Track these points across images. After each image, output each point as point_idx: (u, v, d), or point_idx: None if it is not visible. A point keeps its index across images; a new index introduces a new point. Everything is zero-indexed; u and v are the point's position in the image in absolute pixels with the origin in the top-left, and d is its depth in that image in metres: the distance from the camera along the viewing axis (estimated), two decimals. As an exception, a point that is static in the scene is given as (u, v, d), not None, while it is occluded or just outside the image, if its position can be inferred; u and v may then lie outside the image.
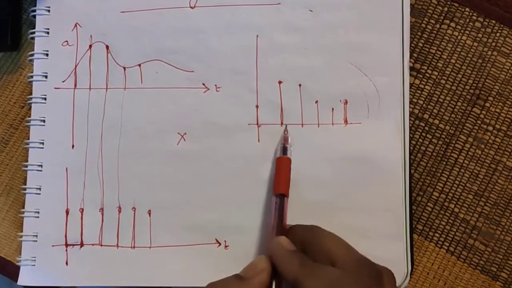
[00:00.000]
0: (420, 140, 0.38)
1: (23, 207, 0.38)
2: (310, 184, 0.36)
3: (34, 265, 0.37)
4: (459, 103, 0.38)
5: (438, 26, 0.38)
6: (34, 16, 0.40)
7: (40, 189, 0.38)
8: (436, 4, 0.38)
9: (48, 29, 0.39)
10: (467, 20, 0.38)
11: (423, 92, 0.38)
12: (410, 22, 0.37)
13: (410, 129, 0.37)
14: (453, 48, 0.38)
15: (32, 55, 0.39)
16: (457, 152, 0.37)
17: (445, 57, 0.38)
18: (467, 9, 0.38)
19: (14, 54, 0.41)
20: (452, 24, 0.38)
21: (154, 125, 0.38)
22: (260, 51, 0.38)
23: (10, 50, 0.41)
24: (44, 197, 0.38)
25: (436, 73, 0.38)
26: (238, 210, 0.36)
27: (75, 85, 0.39)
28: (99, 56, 0.39)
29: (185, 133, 0.38)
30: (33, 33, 0.39)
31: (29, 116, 0.39)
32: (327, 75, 0.37)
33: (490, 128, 0.37)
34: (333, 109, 0.37)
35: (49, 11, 0.39)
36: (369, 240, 0.35)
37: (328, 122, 0.37)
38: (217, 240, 0.37)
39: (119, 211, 0.37)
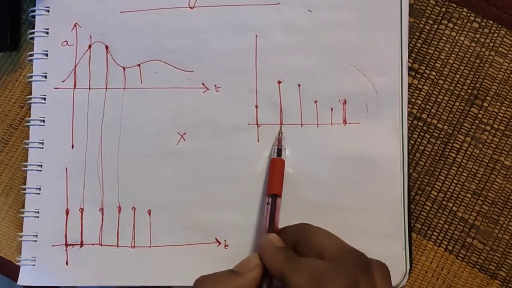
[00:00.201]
0: (419, 139, 0.38)
1: (23, 207, 0.38)
2: (309, 183, 0.36)
3: (34, 265, 0.37)
4: (457, 103, 0.38)
5: (436, 26, 0.38)
6: (34, 16, 0.40)
7: (40, 189, 0.38)
8: (434, 4, 0.38)
9: (48, 29, 0.39)
10: (465, 21, 0.38)
11: (422, 92, 0.38)
12: (409, 22, 0.37)
13: (409, 129, 0.38)
14: (451, 48, 0.38)
15: (32, 55, 0.39)
16: (455, 152, 0.38)
17: (443, 57, 0.38)
18: (464, 9, 0.38)
19: (13, 54, 0.41)
20: (450, 25, 0.38)
21: (153, 125, 0.38)
22: (260, 51, 0.38)
23: (10, 50, 0.41)
24: (44, 197, 0.38)
25: (434, 73, 0.38)
26: (238, 209, 0.36)
27: (75, 85, 0.39)
28: (99, 56, 0.39)
29: (185, 133, 0.38)
30: (33, 33, 0.39)
31: (29, 116, 0.39)
32: (326, 75, 0.37)
33: (488, 127, 0.38)
34: (332, 109, 0.37)
35: (48, 11, 0.39)
36: (368, 239, 0.36)
37: (327, 122, 0.37)
38: (216, 240, 0.37)
39: (119, 211, 0.37)
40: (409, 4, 0.37)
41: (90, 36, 0.39)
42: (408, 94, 0.38)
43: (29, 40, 0.40)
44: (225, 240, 0.37)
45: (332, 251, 0.29)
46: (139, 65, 0.38)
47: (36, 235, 0.38)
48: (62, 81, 0.39)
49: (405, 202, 0.36)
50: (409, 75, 0.38)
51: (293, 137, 0.37)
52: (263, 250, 0.31)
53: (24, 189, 0.38)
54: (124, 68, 0.38)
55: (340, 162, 0.36)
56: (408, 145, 0.37)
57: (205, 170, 0.37)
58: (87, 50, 0.39)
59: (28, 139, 0.39)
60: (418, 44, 0.38)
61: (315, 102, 0.37)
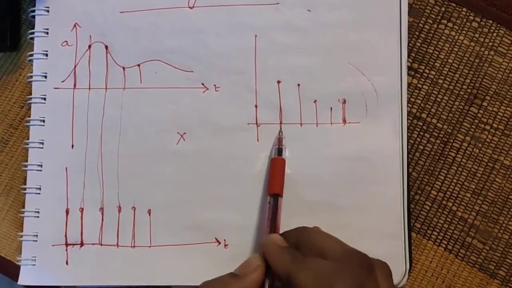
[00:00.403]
0: (418, 139, 0.38)
1: (23, 207, 0.38)
2: (309, 183, 0.36)
3: (35, 264, 0.38)
4: (456, 103, 0.38)
5: (435, 26, 0.38)
6: (34, 17, 0.40)
7: (40, 189, 0.38)
8: (434, 4, 0.38)
9: (48, 29, 0.39)
10: (464, 20, 0.38)
11: (421, 92, 0.38)
12: (408, 22, 0.37)
13: (408, 129, 0.38)
14: (450, 48, 0.38)
15: (32, 55, 0.39)
16: (454, 151, 0.38)
17: (442, 56, 0.38)
18: (464, 9, 0.38)
19: (13, 54, 0.41)
20: (450, 24, 0.38)
21: (153, 125, 0.38)
22: (259, 51, 0.38)
23: (10, 50, 0.41)
24: (44, 197, 0.38)
25: (433, 72, 0.38)
26: (238, 209, 0.37)
27: (75, 85, 0.39)
28: (99, 56, 0.39)
29: (185, 133, 0.38)
30: (33, 33, 0.39)
31: (29, 116, 0.39)
32: (326, 74, 0.37)
33: (488, 127, 0.38)
34: (331, 108, 0.37)
35: (48, 11, 0.40)
36: (368, 239, 0.36)
37: (327, 121, 0.37)
38: (216, 239, 0.37)
39: (119, 211, 0.38)
40: (409, 3, 0.37)
41: (90, 36, 0.39)
42: (408, 93, 0.38)
43: (29, 40, 0.40)
44: (225, 240, 0.37)
45: (335, 253, 0.29)
46: (138, 65, 0.38)
47: (36, 235, 0.38)
48: (62, 81, 0.39)
49: (404, 202, 0.36)
50: (408, 74, 0.38)
51: (293, 137, 0.37)
52: (267, 250, 0.30)
53: (24, 189, 0.38)
54: (124, 68, 0.39)
55: (340, 161, 0.36)
56: (407, 145, 0.37)
57: (205, 169, 0.37)
58: (87, 50, 0.39)
59: (28, 139, 0.39)
60: (418, 44, 0.38)
61: (315, 101, 0.37)
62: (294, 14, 0.38)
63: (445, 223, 0.37)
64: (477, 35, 0.38)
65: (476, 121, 0.38)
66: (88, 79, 0.39)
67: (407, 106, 0.37)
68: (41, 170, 0.38)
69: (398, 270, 0.35)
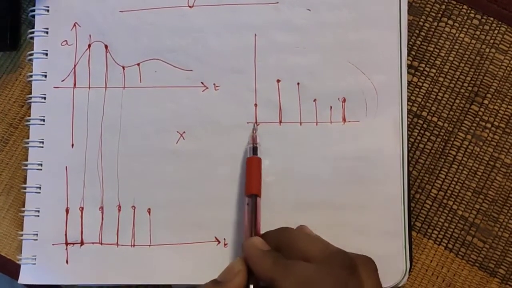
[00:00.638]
0: (419, 137, 0.38)
1: (23, 206, 0.38)
2: (309, 182, 0.36)
3: (35, 263, 0.38)
4: (457, 101, 0.38)
5: (435, 23, 0.38)
6: (33, 16, 0.40)
7: (40, 188, 0.38)
8: (434, 1, 0.38)
9: (47, 28, 0.39)
10: (465, 18, 0.38)
11: (421, 90, 0.38)
12: (408, 20, 0.37)
13: (409, 127, 0.37)
14: (451, 46, 0.38)
15: (32, 54, 0.39)
16: (455, 149, 0.37)
17: (443, 54, 0.38)
18: (464, 6, 0.38)
19: (13, 54, 0.41)
20: (450, 22, 0.38)
21: (153, 124, 0.38)
22: (259, 50, 0.38)
23: (10, 49, 0.41)
24: (44, 196, 0.38)
25: (434, 70, 0.38)
26: (237, 208, 0.36)
27: (75, 85, 0.39)
28: (98, 55, 0.39)
29: (184, 132, 0.38)
30: (32, 32, 0.39)
31: (29, 115, 0.39)
32: (325, 73, 0.37)
33: (489, 125, 0.37)
34: (331, 107, 0.37)
35: (48, 10, 0.40)
36: (368, 238, 0.36)
37: (327, 120, 0.37)
38: (216, 238, 0.37)
39: (119, 210, 0.38)
40: (408, 2, 0.37)
41: (90, 36, 0.39)
42: (408, 92, 0.38)
43: (29, 40, 0.40)
44: (224, 239, 0.37)
45: (317, 254, 0.29)
46: (138, 64, 0.38)
47: (37, 234, 0.38)
48: (62, 81, 0.39)
49: (405, 201, 0.36)
50: (409, 72, 0.38)
51: (292, 136, 0.37)
52: (249, 254, 0.30)
53: (25, 188, 0.38)
54: (123, 67, 0.39)
55: (340, 160, 0.36)
56: (408, 143, 0.36)
57: (204, 168, 0.37)
58: (86, 49, 0.39)
59: (28, 138, 0.39)
60: (418, 42, 0.38)
61: (315, 100, 0.37)
62: (294, 13, 0.38)
63: (445, 222, 0.37)
64: (478, 33, 0.38)
65: (477, 119, 0.37)
66: (88, 78, 0.39)
67: (408, 105, 0.37)
68: (41, 169, 0.38)
69: (399, 269, 0.35)
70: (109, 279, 0.37)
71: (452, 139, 0.38)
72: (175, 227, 0.37)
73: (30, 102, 0.39)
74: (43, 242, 0.38)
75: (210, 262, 0.36)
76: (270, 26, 0.38)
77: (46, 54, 0.39)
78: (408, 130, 0.37)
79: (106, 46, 0.39)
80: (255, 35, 0.38)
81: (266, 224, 0.33)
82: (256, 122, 0.37)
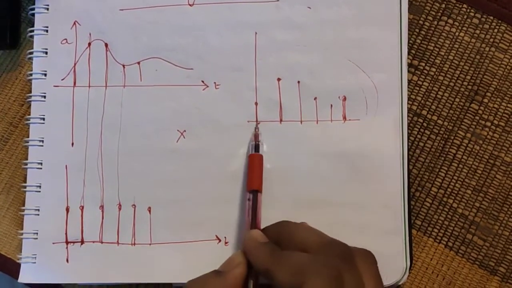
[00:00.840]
0: (419, 136, 0.38)
1: (23, 205, 0.38)
2: (309, 180, 0.36)
3: (35, 262, 0.37)
4: (457, 99, 0.38)
5: (435, 22, 0.38)
6: (33, 14, 0.40)
7: (40, 186, 0.38)
8: (434, 0, 0.38)
9: (47, 27, 0.39)
10: (465, 17, 0.38)
11: (421, 89, 0.38)
12: (408, 18, 0.37)
13: (409, 125, 0.38)
14: (451, 45, 0.38)
15: (31, 53, 0.39)
16: (455, 148, 0.38)
17: (443, 53, 0.38)
18: (464, 5, 0.38)
19: (13, 52, 0.41)
20: (450, 21, 0.38)
21: (153, 122, 0.38)
22: (259, 48, 0.38)
23: (9, 48, 0.41)
24: (44, 194, 0.38)
25: (434, 69, 0.38)
26: (238, 206, 0.36)
27: (75, 83, 0.39)
28: (98, 54, 0.39)
29: (185, 131, 0.38)
30: (32, 31, 0.39)
31: (29, 114, 0.39)
32: (326, 72, 0.37)
33: (488, 123, 0.37)
34: (331, 105, 0.37)
35: (48, 9, 0.39)
36: (368, 236, 0.36)
37: (327, 118, 0.37)
38: (217, 237, 0.37)
39: (119, 209, 0.38)
40: (409, 0, 0.37)
41: (90, 34, 0.39)
42: (408, 90, 0.38)
43: (29, 38, 0.40)
44: (225, 237, 0.37)
45: (314, 245, 0.29)
46: (138, 63, 0.38)
47: (37, 233, 0.38)
48: (62, 79, 0.39)
49: (405, 199, 0.36)
50: (409, 71, 0.38)
51: (293, 134, 0.37)
52: (247, 247, 0.31)
53: (25, 187, 0.38)
54: (123, 66, 0.38)
55: (340, 158, 0.36)
56: (408, 142, 0.36)
57: (205, 167, 0.37)
58: (86, 48, 0.39)
59: (28, 137, 0.39)
60: (418, 41, 0.38)
61: (315, 99, 0.37)
62: (294, 11, 0.38)
63: (445, 220, 0.37)
64: (477, 32, 0.38)
65: (477, 117, 0.38)
66: (88, 77, 0.39)
67: (408, 103, 0.37)
68: (41, 168, 0.38)
69: (399, 267, 0.35)
70: (109, 278, 0.37)
71: (452, 137, 0.38)
72: (175, 226, 0.37)
73: (30, 101, 0.39)
74: (43, 241, 0.38)
75: (211, 260, 0.36)
76: (271, 24, 0.38)
77: (46, 53, 0.39)
78: (408, 129, 0.37)
79: (106, 45, 0.39)
80: (256, 33, 0.38)
81: (267, 222, 0.33)
82: (256, 120, 0.37)
